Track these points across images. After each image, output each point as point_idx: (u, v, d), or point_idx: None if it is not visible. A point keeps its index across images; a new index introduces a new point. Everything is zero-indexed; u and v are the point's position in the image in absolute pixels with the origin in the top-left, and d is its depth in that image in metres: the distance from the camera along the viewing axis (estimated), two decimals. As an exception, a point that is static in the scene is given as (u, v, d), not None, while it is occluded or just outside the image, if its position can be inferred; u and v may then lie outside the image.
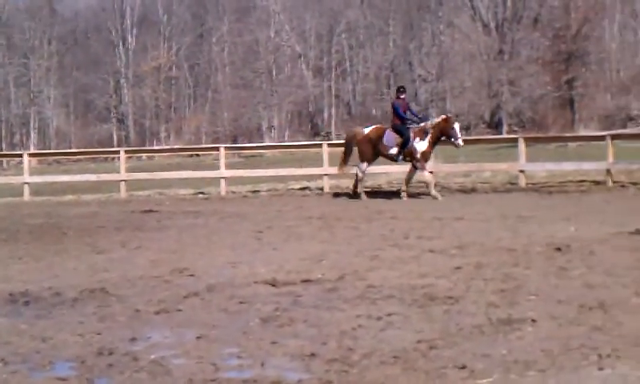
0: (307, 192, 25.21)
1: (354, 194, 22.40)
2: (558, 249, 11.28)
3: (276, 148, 42.57)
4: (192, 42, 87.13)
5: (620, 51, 77.18)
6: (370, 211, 18.32)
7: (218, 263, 11.53)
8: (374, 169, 23.50)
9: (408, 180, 21.87)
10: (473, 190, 23.27)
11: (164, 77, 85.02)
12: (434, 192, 21.14)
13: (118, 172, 27.55)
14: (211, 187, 26.59)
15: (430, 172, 22.19)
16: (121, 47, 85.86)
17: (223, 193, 25.56)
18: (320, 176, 25.74)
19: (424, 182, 22.01)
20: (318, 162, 26.30)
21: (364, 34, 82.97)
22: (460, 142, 21.48)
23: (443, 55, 75.21)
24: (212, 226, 16.67)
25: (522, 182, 23.37)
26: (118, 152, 31.01)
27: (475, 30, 72.83)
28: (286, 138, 74.29)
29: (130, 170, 29.64)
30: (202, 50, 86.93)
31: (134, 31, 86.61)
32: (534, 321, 7.43)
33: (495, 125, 65.90)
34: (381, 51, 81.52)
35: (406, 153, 21.57)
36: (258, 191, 25.95)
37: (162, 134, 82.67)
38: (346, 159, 23.10)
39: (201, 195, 25.62)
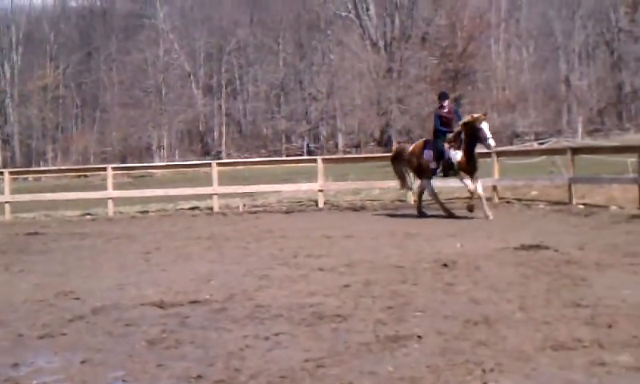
0: (197, 212, 25.10)
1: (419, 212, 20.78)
2: (445, 265, 11.40)
3: (165, 168, 42.27)
4: (79, 61, 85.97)
5: (505, 69, 79.00)
6: (260, 230, 18.28)
7: (104, 285, 11.32)
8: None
9: (473, 191, 19.59)
10: (362, 208, 23.44)
11: (51, 96, 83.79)
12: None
13: (3, 194, 26.91)
14: (99, 208, 26.16)
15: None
16: (5, 65, 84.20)
17: (111, 214, 25.23)
18: (210, 196, 25.60)
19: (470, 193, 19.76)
20: (207, 182, 26.13)
21: (254, 52, 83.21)
22: (491, 141, 18.94)
23: (333, 73, 75.93)
24: (99, 248, 16.41)
25: (411, 199, 23.61)
26: (2, 173, 30.19)
27: (364, 49, 73.80)
28: (176, 158, 74.02)
29: (15, 191, 28.99)
30: (90, 69, 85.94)
31: (20, 49, 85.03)
32: (420, 337, 7.49)
33: (385, 143, 66.67)
34: (271, 70, 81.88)
35: (444, 166, 19.73)
36: (147, 212, 25.72)
37: (49, 155, 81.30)
38: (401, 179, 21.66)
39: (88, 216, 25.21)
